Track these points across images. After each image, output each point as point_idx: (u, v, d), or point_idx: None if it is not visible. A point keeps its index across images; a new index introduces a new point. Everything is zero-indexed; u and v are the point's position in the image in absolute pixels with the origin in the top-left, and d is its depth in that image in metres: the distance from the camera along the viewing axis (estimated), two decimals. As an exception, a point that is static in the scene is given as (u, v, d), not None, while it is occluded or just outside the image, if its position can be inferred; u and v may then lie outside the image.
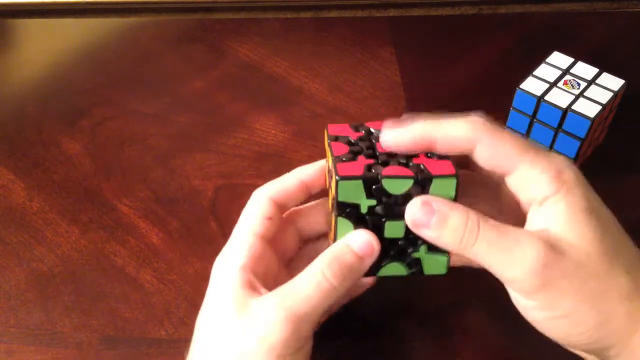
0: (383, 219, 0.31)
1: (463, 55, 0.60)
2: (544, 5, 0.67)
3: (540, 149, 0.31)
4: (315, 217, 0.38)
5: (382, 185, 0.30)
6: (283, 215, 0.37)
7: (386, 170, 0.30)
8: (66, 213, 0.49)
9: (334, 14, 0.69)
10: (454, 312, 0.42)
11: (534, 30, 0.63)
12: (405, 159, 0.32)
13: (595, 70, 0.48)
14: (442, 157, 0.32)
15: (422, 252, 0.33)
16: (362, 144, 0.33)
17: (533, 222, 0.31)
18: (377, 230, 0.32)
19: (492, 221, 0.30)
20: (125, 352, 0.41)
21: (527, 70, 0.49)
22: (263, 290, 0.33)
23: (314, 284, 0.31)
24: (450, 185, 0.30)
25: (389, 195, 0.30)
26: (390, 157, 0.32)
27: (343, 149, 0.32)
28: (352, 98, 0.57)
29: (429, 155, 0.32)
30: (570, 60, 0.49)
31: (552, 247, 0.29)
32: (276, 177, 0.37)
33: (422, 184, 0.30)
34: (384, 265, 0.33)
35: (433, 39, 0.63)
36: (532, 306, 0.30)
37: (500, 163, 0.31)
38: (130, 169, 0.52)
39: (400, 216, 0.31)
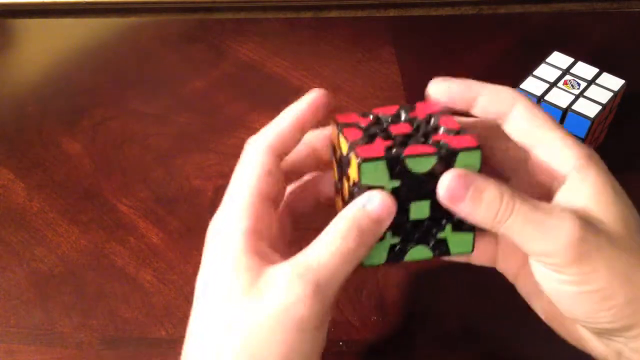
0: (408, 200, 0.30)
1: (463, 55, 0.60)
2: (544, 5, 0.67)
3: (568, 134, 0.31)
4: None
5: (405, 165, 0.29)
6: (301, 179, 0.35)
7: (408, 150, 0.29)
8: (66, 213, 0.49)
9: (334, 14, 0.69)
10: (453, 312, 0.42)
11: (534, 30, 0.63)
12: (424, 136, 0.31)
13: (595, 70, 0.48)
14: (460, 132, 0.31)
15: (447, 232, 0.32)
16: (375, 128, 0.32)
17: (560, 196, 0.30)
18: (402, 213, 0.30)
19: (524, 195, 0.29)
20: (125, 352, 0.41)
21: (527, 70, 0.49)
22: (275, 256, 0.30)
23: (336, 250, 0.28)
24: (475, 158, 0.30)
25: (412, 174, 0.29)
26: (408, 137, 0.31)
27: (357, 134, 0.31)
28: (352, 98, 0.57)
29: (448, 132, 0.31)
30: (570, 60, 0.49)
31: (586, 221, 0.28)
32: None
33: (447, 160, 0.29)
34: (409, 250, 0.32)
35: (433, 39, 0.63)
36: (563, 280, 0.29)
37: (534, 130, 0.31)
38: (130, 169, 0.52)
39: (426, 196, 0.30)
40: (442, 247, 0.32)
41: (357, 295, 0.42)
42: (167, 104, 0.57)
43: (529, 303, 0.33)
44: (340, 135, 0.31)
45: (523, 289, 0.34)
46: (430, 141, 0.30)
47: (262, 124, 0.31)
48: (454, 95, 0.32)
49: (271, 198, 0.32)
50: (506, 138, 0.32)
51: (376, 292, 0.43)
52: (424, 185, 0.30)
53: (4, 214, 0.49)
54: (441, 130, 0.31)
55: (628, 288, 0.28)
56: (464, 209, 0.29)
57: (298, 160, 0.35)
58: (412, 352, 0.40)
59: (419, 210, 0.31)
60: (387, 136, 0.31)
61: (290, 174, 0.35)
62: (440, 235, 0.32)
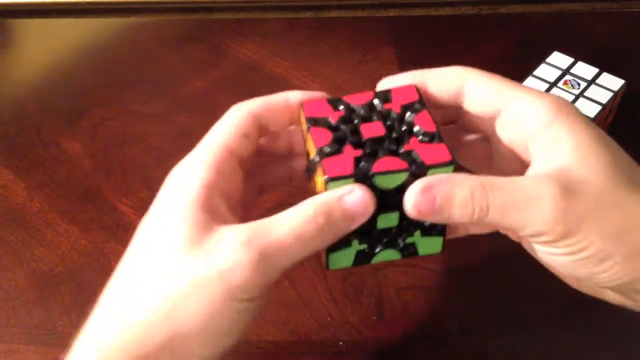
0: (376, 211, 0.29)
1: (463, 55, 0.60)
2: (544, 5, 0.67)
3: (532, 88, 0.30)
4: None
5: (374, 182, 0.28)
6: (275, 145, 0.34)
7: (377, 165, 0.28)
8: (66, 213, 0.49)
9: (334, 14, 0.69)
10: (453, 312, 0.42)
11: (534, 30, 0.63)
12: (396, 143, 0.29)
13: (595, 70, 0.48)
14: (434, 137, 0.29)
15: (416, 237, 0.31)
16: (345, 128, 0.30)
17: (536, 158, 0.29)
18: (370, 222, 0.29)
19: (497, 180, 0.28)
20: (125, 352, 0.41)
21: (527, 70, 0.49)
22: (229, 216, 0.29)
23: (295, 229, 0.27)
24: (448, 171, 0.28)
25: (381, 189, 0.28)
26: (378, 144, 0.29)
27: (325, 136, 0.29)
28: (352, 98, 0.57)
29: (420, 138, 0.29)
30: (570, 60, 0.49)
31: (566, 188, 0.27)
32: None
33: (417, 175, 0.28)
34: (376, 253, 0.31)
35: (433, 39, 0.63)
36: (557, 253, 0.28)
37: (491, 100, 0.30)
38: (130, 169, 0.52)
39: (394, 207, 0.29)
40: (410, 249, 0.31)
41: (357, 295, 0.42)
42: (167, 104, 0.57)
43: (536, 258, 0.31)
44: (309, 134, 0.30)
45: (528, 246, 0.32)
46: (402, 150, 0.29)
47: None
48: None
49: (241, 159, 0.31)
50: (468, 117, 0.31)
51: (376, 292, 0.43)
52: (393, 198, 0.29)
53: (4, 214, 0.49)
54: (415, 132, 0.29)
55: (623, 246, 0.27)
56: (436, 219, 0.28)
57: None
58: (412, 352, 0.40)
59: (388, 219, 0.30)
60: (357, 141, 0.29)
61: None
62: (409, 240, 0.31)
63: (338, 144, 0.29)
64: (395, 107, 0.30)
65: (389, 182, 0.28)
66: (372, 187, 0.28)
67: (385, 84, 0.32)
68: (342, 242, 0.29)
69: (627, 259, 0.27)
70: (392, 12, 0.68)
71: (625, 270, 0.28)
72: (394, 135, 0.29)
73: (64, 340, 0.41)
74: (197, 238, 0.27)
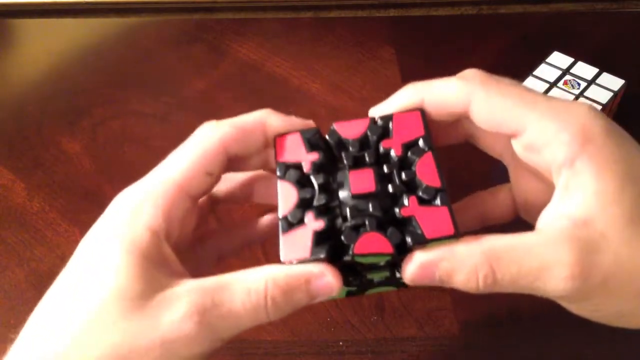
0: (362, 272, 0.26)
1: (463, 55, 0.60)
2: (544, 5, 0.67)
3: (554, 98, 0.26)
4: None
5: (354, 260, 0.25)
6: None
7: (359, 245, 0.24)
8: (66, 213, 0.49)
9: (334, 14, 0.69)
10: (452, 312, 0.42)
11: (534, 30, 0.63)
12: (392, 200, 0.25)
13: (595, 70, 0.48)
14: (436, 196, 0.25)
15: None
16: (316, 180, 0.26)
17: (556, 197, 0.25)
18: (356, 277, 0.26)
19: (503, 247, 0.24)
20: (125, 352, 0.41)
21: (527, 70, 0.49)
22: (176, 264, 0.26)
23: (251, 305, 0.24)
24: (450, 243, 0.25)
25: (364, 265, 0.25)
26: (362, 206, 0.25)
27: (291, 197, 0.26)
28: (352, 98, 0.57)
29: (421, 195, 0.25)
30: (570, 60, 0.49)
31: (585, 250, 0.24)
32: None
33: (410, 250, 0.25)
34: (369, 289, 0.28)
35: (433, 39, 0.63)
36: (577, 308, 0.27)
37: (503, 120, 0.26)
38: (130, 169, 0.52)
39: (384, 269, 0.26)
40: (404, 283, 0.27)
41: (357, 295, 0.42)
42: (167, 104, 0.57)
43: None
44: (278, 182, 0.27)
45: None
46: (399, 213, 0.25)
47: (215, 121, 0.29)
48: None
49: (197, 198, 0.28)
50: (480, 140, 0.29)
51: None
52: (381, 264, 0.26)
53: (4, 214, 0.49)
54: (417, 184, 0.26)
55: None
56: (438, 285, 0.25)
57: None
58: (412, 352, 0.40)
59: (378, 275, 0.27)
60: (326, 204, 0.26)
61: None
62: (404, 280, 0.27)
63: (302, 210, 0.26)
64: (395, 146, 0.27)
65: (372, 260, 0.25)
66: (352, 263, 0.25)
67: (379, 111, 0.29)
68: None
69: None
70: (392, 12, 0.68)
71: None
72: (390, 189, 0.26)
73: (64, 340, 0.41)
74: (140, 294, 0.24)
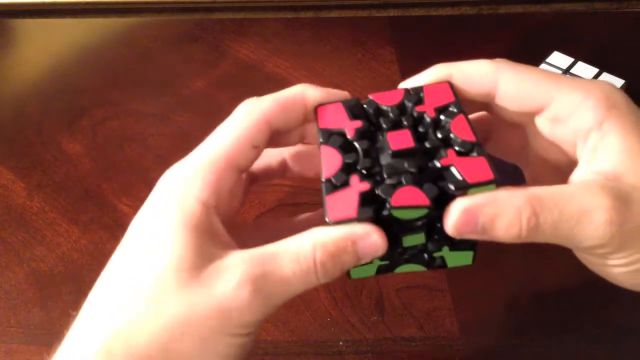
0: (399, 234, 0.26)
1: (463, 55, 0.60)
2: (544, 5, 0.67)
3: (576, 77, 0.28)
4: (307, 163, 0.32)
5: (391, 214, 0.25)
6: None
7: (396, 198, 0.25)
8: (66, 213, 0.49)
9: (334, 14, 0.69)
10: (452, 312, 0.42)
11: (534, 30, 0.63)
12: (430, 156, 0.26)
13: (595, 70, 0.48)
14: (472, 149, 0.26)
15: (445, 252, 0.28)
16: (361, 145, 0.27)
17: (584, 160, 0.26)
18: (393, 244, 0.26)
19: (545, 194, 0.25)
20: (125, 352, 0.41)
21: (527, 70, 0.49)
22: (225, 235, 0.26)
23: (301, 270, 0.25)
24: (490, 189, 0.25)
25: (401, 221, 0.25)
26: (400, 164, 0.26)
27: (335, 161, 0.26)
28: (352, 98, 0.57)
29: (458, 149, 0.26)
30: (570, 60, 0.49)
31: (619, 198, 0.25)
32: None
33: (451, 198, 0.25)
34: (399, 265, 0.28)
35: (433, 39, 0.63)
36: (610, 264, 0.27)
37: (530, 96, 0.27)
38: (130, 169, 0.52)
39: (420, 229, 0.26)
40: (437, 261, 0.28)
41: (357, 295, 0.42)
42: (167, 104, 0.57)
43: (589, 268, 0.29)
44: (321, 147, 0.27)
45: (580, 255, 0.30)
46: (439, 164, 0.26)
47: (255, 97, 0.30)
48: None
49: (243, 171, 0.29)
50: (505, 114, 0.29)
51: (376, 292, 0.43)
52: (418, 223, 0.26)
53: (4, 214, 0.49)
54: (452, 140, 0.27)
55: None
56: (479, 238, 0.26)
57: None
58: (412, 352, 0.40)
59: (413, 239, 0.27)
60: (371, 164, 0.26)
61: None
62: (437, 254, 0.28)
63: (346, 173, 0.26)
64: (428, 110, 0.28)
65: (408, 215, 0.25)
66: (391, 218, 0.25)
67: (409, 83, 0.29)
68: None
69: None
70: (392, 12, 0.68)
71: None
72: (428, 145, 0.27)
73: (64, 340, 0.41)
74: (195, 265, 0.25)
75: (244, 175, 0.30)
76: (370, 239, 0.25)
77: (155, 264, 0.25)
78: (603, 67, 0.49)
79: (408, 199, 0.25)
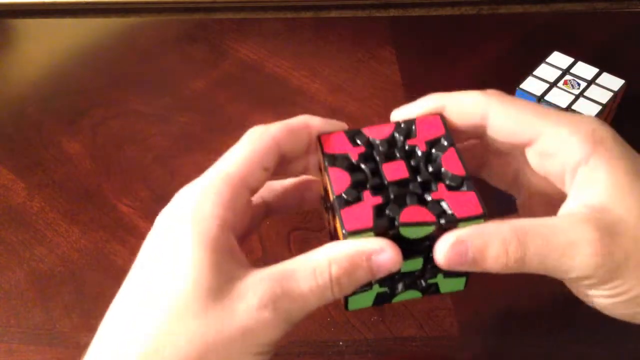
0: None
1: (463, 55, 0.60)
2: (544, 5, 0.67)
3: (562, 111, 0.28)
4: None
5: (399, 232, 0.26)
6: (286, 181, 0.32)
7: (404, 216, 0.26)
8: (66, 213, 0.49)
9: (334, 14, 0.69)
10: (452, 312, 0.42)
11: (534, 30, 0.63)
12: (421, 187, 0.27)
13: (595, 70, 0.48)
14: (462, 184, 0.27)
15: (439, 278, 0.29)
16: (366, 167, 0.28)
17: (572, 195, 0.27)
18: None
19: (531, 226, 0.26)
20: (125, 352, 0.41)
21: (527, 70, 0.49)
22: (242, 257, 0.27)
23: (318, 288, 0.26)
24: (478, 223, 0.26)
25: (406, 239, 0.26)
26: (402, 187, 0.27)
27: (344, 180, 0.27)
28: (352, 98, 0.57)
29: (448, 183, 0.27)
30: (570, 60, 0.49)
31: (606, 230, 0.25)
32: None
33: (446, 228, 0.26)
34: (397, 294, 0.29)
35: (433, 39, 0.63)
36: (598, 295, 0.27)
37: (519, 130, 0.28)
38: (130, 169, 0.52)
39: (418, 253, 0.27)
40: (432, 288, 0.29)
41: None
42: (167, 104, 0.57)
43: (579, 297, 0.30)
44: (326, 173, 0.28)
45: (570, 285, 0.31)
46: (430, 198, 0.27)
47: (262, 124, 0.30)
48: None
49: (254, 193, 0.29)
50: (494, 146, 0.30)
51: (376, 292, 0.43)
52: (418, 245, 0.27)
53: (4, 214, 0.49)
54: (443, 175, 0.28)
55: None
56: (469, 270, 0.26)
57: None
58: (412, 352, 0.40)
59: (411, 265, 0.28)
60: (378, 185, 0.27)
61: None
62: (431, 281, 0.29)
63: (357, 190, 0.27)
64: (419, 143, 0.29)
65: (414, 233, 0.26)
66: (396, 237, 0.26)
67: (401, 114, 0.30)
68: (363, 286, 0.28)
69: None
70: (392, 12, 0.68)
71: None
72: (419, 178, 0.28)
73: (64, 340, 0.41)
74: (216, 285, 0.25)
75: (257, 204, 0.31)
76: (385, 254, 0.26)
77: (175, 287, 0.25)
78: (603, 67, 0.49)
79: (415, 216, 0.26)
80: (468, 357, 0.40)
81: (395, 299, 0.29)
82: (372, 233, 0.26)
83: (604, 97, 0.46)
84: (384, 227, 0.26)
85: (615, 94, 0.47)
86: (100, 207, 0.49)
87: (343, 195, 0.27)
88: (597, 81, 0.48)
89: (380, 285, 0.28)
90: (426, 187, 0.27)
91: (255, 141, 0.29)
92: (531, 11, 0.67)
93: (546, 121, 0.27)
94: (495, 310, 0.42)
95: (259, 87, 0.59)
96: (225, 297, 0.25)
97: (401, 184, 0.27)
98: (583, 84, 0.47)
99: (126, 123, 0.56)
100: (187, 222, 0.26)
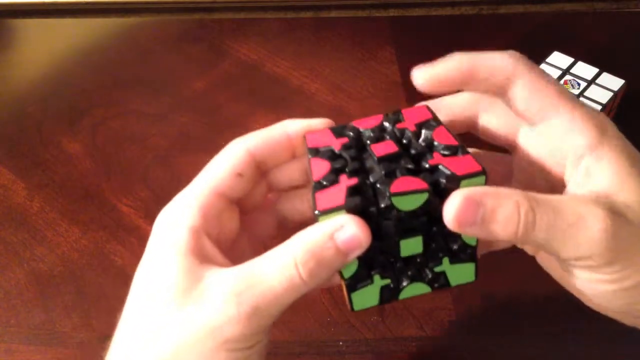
0: (396, 237, 0.26)
1: (463, 55, 0.60)
2: (544, 5, 0.67)
3: (577, 99, 0.28)
4: (300, 204, 0.33)
5: (391, 204, 0.25)
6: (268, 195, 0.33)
7: (395, 186, 0.25)
8: (66, 213, 0.49)
9: (334, 14, 0.69)
10: (452, 312, 0.42)
11: (534, 30, 0.63)
12: (414, 161, 0.27)
13: (595, 70, 0.48)
14: (457, 151, 0.27)
15: (445, 265, 0.28)
16: (347, 154, 0.28)
17: (575, 181, 0.27)
18: (391, 251, 0.27)
19: (542, 197, 0.25)
20: (125, 352, 0.41)
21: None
22: (219, 257, 0.28)
23: (285, 278, 0.25)
24: (480, 183, 0.25)
25: (400, 212, 0.25)
26: (394, 162, 0.27)
27: (323, 168, 0.27)
28: (352, 98, 0.57)
29: (442, 152, 0.27)
30: (570, 60, 0.49)
31: (614, 212, 0.25)
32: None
33: (445, 192, 0.25)
34: (403, 288, 0.28)
35: (433, 39, 0.63)
36: (599, 279, 0.27)
37: (538, 105, 0.28)
38: (130, 169, 0.52)
39: (417, 231, 0.26)
40: (440, 280, 0.28)
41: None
42: (167, 104, 0.57)
43: (570, 289, 0.30)
44: (309, 165, 0.28)
45: (561, 275, 0.30)
46: (427, 164, 0.26)
47: (262, 124, 0.31)
48: (441, 78, 0.30)
49: (234, 198, 0.30)
50: (507, 113, 0.30)
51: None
52: (415, 220, 0.26)
53: (4, 214, 0.49)
54: (436, 146, 0.27)
55: None
56: (477, 233, 0.26)
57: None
58: (412, 352, 0.40)
59: (411, 246, 0.27)
60: (358, 168, 0.27)
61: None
62: (438, 269, 0.28)
63: (335, 175, 0.27)
64: (409, 126, 0.29)
65: (408, 204, 0.25)
66: (387, 212, 0.25)
67: (423, 74, 0.30)
68: (362, 279, 0.27)
69: None
70: (392, 12, 0.68)
71: None
72: (413, 151, 0.27)
73: (64, 340, 0.41)
74: (187, 286, 0.26)
75: (269, 219, 0.32)
76: (347, 229, 0.25)
77: (155, 291, 0.27)
78: (603, 67, 0.49)
79: (407, 185, 0.25)
80: (468, 357, 0.40)
81: (402, 295, 0.28)
82: (343, 212, 0.25)
83: (604, 97, 0.46)
84: (356, 204, 0.25)
85: (615, 94, 0.47)
86: (100, 207, 0.49)
87: (321, 180, 0.27)
88: (597, 81, 0.48)
89: (382, 277, 0.27)
90: (420, 158, 0.27)
91: (227, 150, 0.30)
92: (531, 11, 0.67)
93: (563, 105, 0.28)
94: (495, 311, 0.42)
95: (258, 87, 0.59)
96: (195, 296, 0.26)
97: (391, 159, 0.27)
98: (583, 84, 0.47)
99: (126, 123, 0.56)
100: (165, 235, 0.28)
